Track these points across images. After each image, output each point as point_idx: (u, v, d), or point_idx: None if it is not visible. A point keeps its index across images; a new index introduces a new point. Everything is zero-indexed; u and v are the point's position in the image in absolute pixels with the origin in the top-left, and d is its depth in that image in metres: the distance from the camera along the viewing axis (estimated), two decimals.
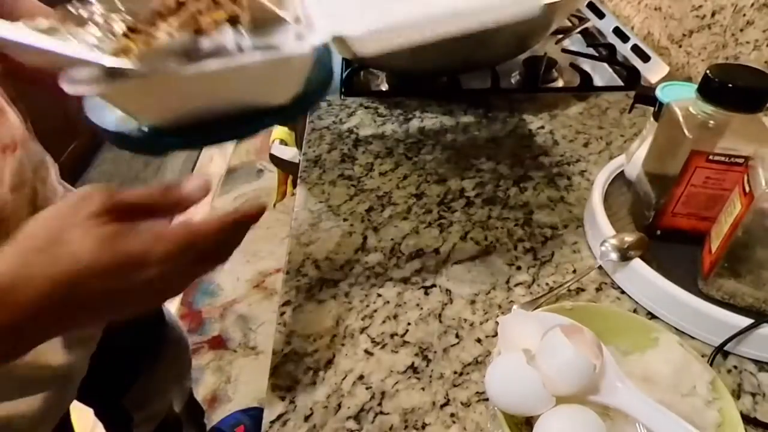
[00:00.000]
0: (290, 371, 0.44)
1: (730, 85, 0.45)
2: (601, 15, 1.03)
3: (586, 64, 0.90)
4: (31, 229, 0.29)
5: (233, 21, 0.32)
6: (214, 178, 2.08)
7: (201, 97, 0.32)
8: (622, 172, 0.61)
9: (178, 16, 0.33)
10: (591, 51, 0.94)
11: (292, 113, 0.36)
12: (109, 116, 0.34)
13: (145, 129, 0.33)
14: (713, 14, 0.79)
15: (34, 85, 0.42)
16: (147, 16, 0.34)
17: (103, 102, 0.31)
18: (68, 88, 0.29)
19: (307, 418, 0.41)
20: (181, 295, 1.60)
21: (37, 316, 0.28)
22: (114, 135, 0.34)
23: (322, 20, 0.34)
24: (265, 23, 0.31)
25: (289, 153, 0.84)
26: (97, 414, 0.80)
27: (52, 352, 0.47)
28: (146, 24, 0.33)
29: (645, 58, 0.87)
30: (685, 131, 0.47)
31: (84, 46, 0.29)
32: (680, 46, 0.88)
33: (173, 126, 0.33)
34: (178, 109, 0.32)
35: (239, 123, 0.34)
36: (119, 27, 0.34)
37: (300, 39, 0.32)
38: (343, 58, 0.87)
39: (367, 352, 0.46)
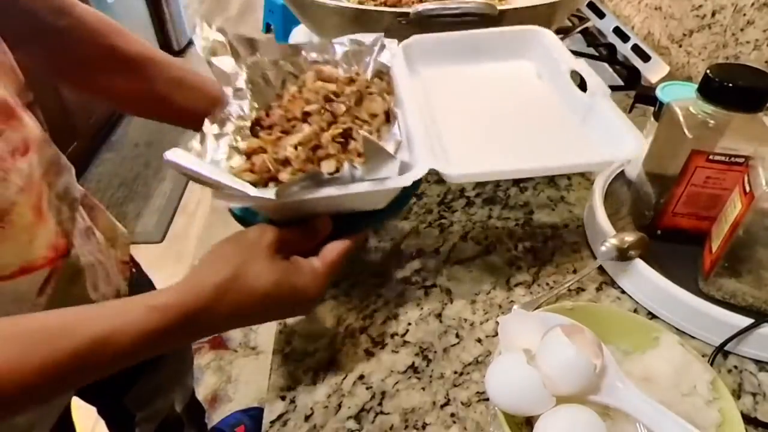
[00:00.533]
0: (291, 371, 0.44)
1: (731, 85, 0.45)
2: (601, 15, 1.03)
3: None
4: (218, 262, 0.36)
5: (347, 134, 0.42)
6: None
7: (320, 209, 0.41)
8: (623, 171, 0.61)
9: (302, 130, 0.42)
10: (591, 51, 0.94)
11: (388, 214, 0.44)
12: (239, 207, 0.43)
13: (269, 219, 0.42)
14: (713, 14, 0.79)
15: None
16: (275, 118, 0.44)
17: (225, 194, 0.38)
18: (222, 202, 0.37)
19: (307, 418, 0.41)
20: None
21: (212, 333, 0.37)
22: (242, 220, 0.44)
23: (423, 149, 0.42)
24: (374, 155, 0.38)
25: None
26: (100, 412, 0.80)
27: None
28: (274, 124, 0.44)
29: (645, 57, 0.87)
30: (686, 131, 0.47)
31: (238, 181, 0.37)
32: (680, 46, 0.88)
33: (294, 219, 0.41)
34: (301, 214, 0.41)
35: (345, 222, 0.42)
36: (248, 120, 0.45)
37: (403, 172, 0.39)
38: None
39: (367, 351, 0.46)
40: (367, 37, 0.50)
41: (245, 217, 0.44)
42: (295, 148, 0.40)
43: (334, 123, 0.43)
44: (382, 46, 0.50)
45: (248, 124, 0.44)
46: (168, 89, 0.54)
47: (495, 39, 0.59)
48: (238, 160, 0.41)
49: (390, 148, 0.38)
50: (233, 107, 0.44)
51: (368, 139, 0.37)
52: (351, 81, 0.48)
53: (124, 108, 0.59)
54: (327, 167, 0.39)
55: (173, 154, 0.36)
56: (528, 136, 0.49)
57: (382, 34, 0.50)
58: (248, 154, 0.42)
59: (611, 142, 0.45)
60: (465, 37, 0.59)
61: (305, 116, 0.43)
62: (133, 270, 0.62)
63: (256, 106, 0.46)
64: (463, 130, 0.48)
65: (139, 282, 0.64)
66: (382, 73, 0.50)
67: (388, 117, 0.45)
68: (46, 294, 0.44)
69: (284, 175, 0.40)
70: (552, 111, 0.52)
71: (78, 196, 0.50)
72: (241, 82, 0.46)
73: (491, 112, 0.52)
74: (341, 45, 0.50)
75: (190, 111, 0.54)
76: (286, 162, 0.40)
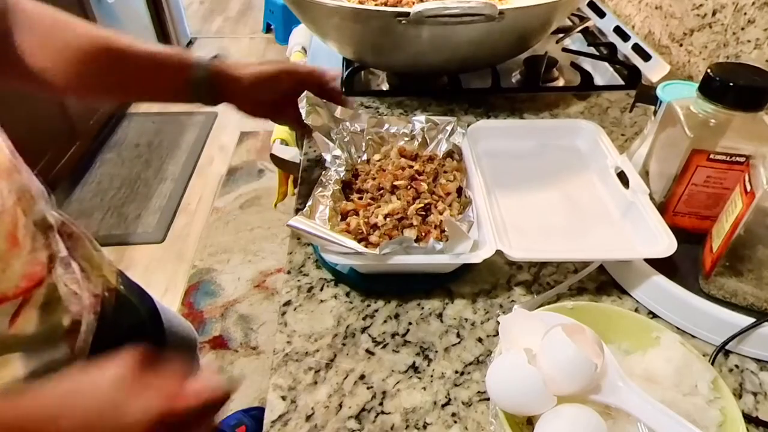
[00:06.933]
0: (291, 371, 0.44)
1: (731, 84, 0.45)
2: (601, 14, 1.03)
3: (587, 64, 0.90)
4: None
5: (427, 207, 0.51)
6: (215, 179, 2.08)
7: (403, 269, 0.49)
8: (623, 171, 0.61)
9: (390, 201, 0.51)
10: (592, 50, 0.94)
11: (454, 275, 0.51)
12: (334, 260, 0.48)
13: (359, 273, 0.51)
14: (714, 13, 0.79)
15: None
16: (368, 186, 0.54)
17: (332, 251, 0.46)
18: (328, 257, 0.46)
19: (308, 418, 0.41)
20: (182, 295, 1.60)
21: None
22: (333, 271, 0.52)
23: (489, 230, 0.49)
24: (455, 235, 0.46)
25: (290, 153, 0.84)
26: None
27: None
28: (366, 191, 0.54)
29: (646, 57, 0.87)
30: (686, 130, 0.47)
31: (346, 238, 0.46)
32: (681, 45, 0.88)
33: (379, 274, 0.50)
34: (387, 270, 0.49)
35: (419, 281, 0.51)
36: (340, 179, 0.54)
37: (475, 250, 0.47)
38: (343, 57, 0.87)
39: (368, 351, 0.46)
40: (441, 119, 0.61)
41: (340, 272, 0.51)
42: (385, 217, 0.49)
43: (417, 198, 0.52)
44: (453, 128, 0.60)
45: (338, 187, 0.53)
46: (131, 73, 0.55)
47: (550, 128, 0.67)
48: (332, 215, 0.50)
49: (465, 228, 0.46)
50: (331, 172, 0.54)
51: (451, 222, 0.46)
52: (430, 159, 0.58)
53: (88, 97, 0.61)
54: (409, 234, 0.48)
55: (296, 222, 0.46)
56: (574, 222, 0.55)
57: (455, 119, 0.61)
58: (343, 215, 0.51)
59: (647, 239, 0.50)
60: (524, 124, 0.70)
61: (393, 188, 0.53)
62: (106, 294, 0.58)
63: (348, 169, 0.56)
64: (517, 211, 0.56)
65: (121, 304, 0.62)
66: (453, 153, 0.58)
67: (459, 192, 0.54)
68: (18, 326, 0.42)
69: (374, 238, 0.48)
70: (596, 201, 0.58)
71: (53, 223, 0.48)
72: (337, 150, 0.57)
73: (543, 195, 0.59)
74: (419, 122, 0.61)
75: (162, 91, 0.57)
76: (375, 226, 0.49)
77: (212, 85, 0.57)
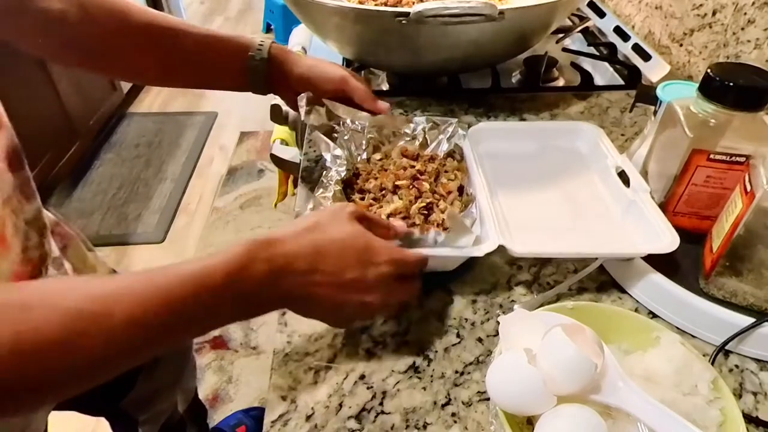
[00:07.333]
0: (291, 371, 0.44)
1: (731, 84, 0.45)
2: (601, 14, 1.03)
3: (587, 64, 0.90)
4: (302, 219, 0.41)
5: (429, 206, 0.51)
6: (215, 179, 2.08)
7: None
8: (623, 171, 0.61)
9: (392, 201, 0.52)
10: (592, 50, 0.94)
11: (455, 274, 0.52)
12: None
13: None
14: (714, 13, 0.79)
15: None
16: (370, 186, 0.54)
17: None
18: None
19: (308, 418, 0.41)
20: None
21: (288, 266, 0.37)
22: None
23: (492, 226, 0.49)
24: (456, 228, 0.47)
25: (290, 153, 0.84)
26: (102, 415, 0.80)
27: None
28: (368, 191, 0.54)
29: (646, 57, 0.87)
30: (686, 130, 0.47)
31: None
32: (681, 45, 0.88)
33: None
34: None
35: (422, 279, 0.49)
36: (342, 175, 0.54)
37: (477, 244, 0.47)
38: (343, 57, 0.87)
39: (368, 351, 0.46)
40: (442, 120, 0.61)
41: None
42: (388, 217, 0.50)
43: (419, 197, 0.52)
44: (454, 129, 0.60)
45: (339, 187, 0.53)
46: (188, 56, 0.55)
47: (551, 130, 0.67)
48: None
49: (468, 223, 0.47)
50: (332, 171, 0.54)
51: (453, 214, 0.47)
52: (432, 159, 0.58)
53: (147, 81, 0.60)
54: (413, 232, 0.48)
55: None
56: (576, 222, 0.56)
57: (456, 120, 0.61)
58: None
59: (649, 236, 0.50)
60: (525, 126, 0.71)
61: (395, 188, 0.53)
62: None
63: (348, 168, 0.56)
64: (519, 211, 0.56)
65: None
66: (454, 153, 0.59)
67: (460, 191, 0.54)
68: None
69: None
70: (597, 200, 0.58)
71: (47, 223, 0.48)
72: (337, 150, 0.57)
73: (544, 195, 0.59)
74: (420, 122, 0.61)
75: (218, 74, 0.57)
76: None
77: (267, 73, 0.57)
